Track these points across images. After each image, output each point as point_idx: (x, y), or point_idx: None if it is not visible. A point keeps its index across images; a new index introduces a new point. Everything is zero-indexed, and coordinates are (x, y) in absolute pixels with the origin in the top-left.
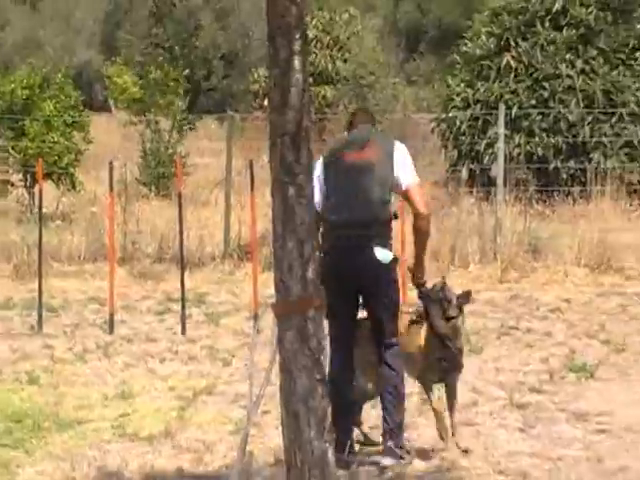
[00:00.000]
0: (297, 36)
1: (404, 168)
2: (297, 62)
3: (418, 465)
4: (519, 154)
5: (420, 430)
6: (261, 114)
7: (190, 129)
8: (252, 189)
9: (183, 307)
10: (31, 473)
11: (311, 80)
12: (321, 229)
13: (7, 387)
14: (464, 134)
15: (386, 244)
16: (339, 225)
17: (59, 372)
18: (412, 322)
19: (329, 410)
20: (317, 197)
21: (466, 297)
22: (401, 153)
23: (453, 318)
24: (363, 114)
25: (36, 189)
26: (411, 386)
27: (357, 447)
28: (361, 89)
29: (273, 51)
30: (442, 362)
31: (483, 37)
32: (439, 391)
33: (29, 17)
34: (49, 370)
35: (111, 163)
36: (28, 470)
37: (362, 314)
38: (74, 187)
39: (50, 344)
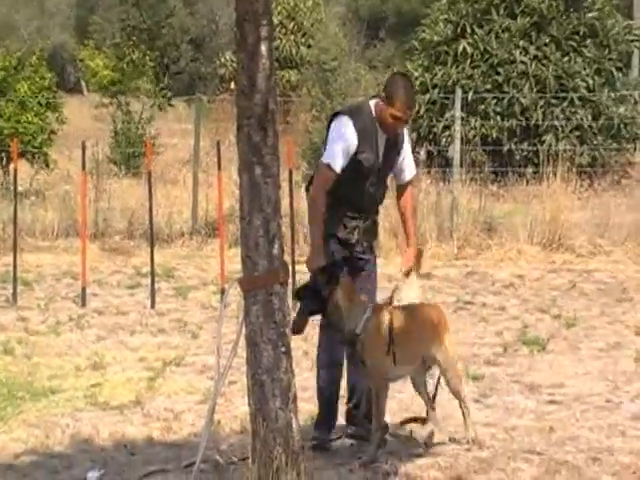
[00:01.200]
0: (264, 22)
1: (409, 157)
2: (264, 47)
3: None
4: (475, 136)
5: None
6: (228, 96)
7: (170, 105)
8: (219, 168)
9: (152, 281)
10: (6, 440)
11: (276, 64)
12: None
13: None
14: (422, 117)
15: None
16: (362, 210)
17: (33, 343)
18: None
19: (293, 382)
20: (340, 160)
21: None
22: (408, 139)
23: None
24: (406, 80)
25: (11, 167)
26: None
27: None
28: (324, 73)
29: (241, 36)
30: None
31: (440, 24)
32: None
33: (3, 1)
34: (23, 341)
35: (84, 143)
36: (3, 437)
37: None
38: (47, 166)
39: (24, 316)
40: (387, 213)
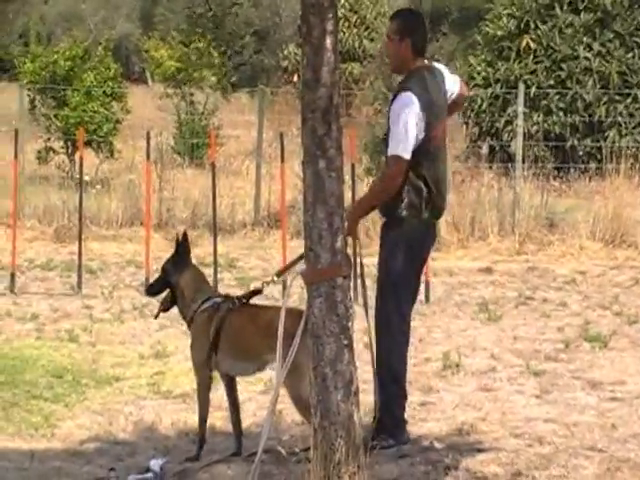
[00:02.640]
0: (330, 16)
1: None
2: (329, 41)
3: (438, 429)
4: (537, 132)
5: (441, 394)
6: (290, 89)
7: (234, 92)
8: (282, 160)
9: (215, 272)
10: (71, 426)
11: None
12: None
13: (48, 344)
14: (484, 112)
15: None
16: (439, 196)
17: (97, 331)
18: None
19: (355, 374)
20: (412, 141)
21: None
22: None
23: None
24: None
25: (77, 156)
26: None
27: None
28: (386, 67)
29: (306, 30)
30: None
31: (504, 19)
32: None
33: None
34: (88, 329)
35: (148, 133)
36: (68, 424)
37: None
38: (112, 155)
39: (89, 304)
40: (450, 209)
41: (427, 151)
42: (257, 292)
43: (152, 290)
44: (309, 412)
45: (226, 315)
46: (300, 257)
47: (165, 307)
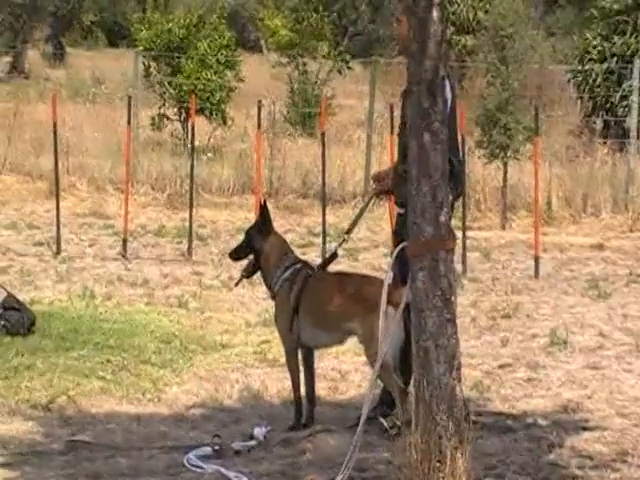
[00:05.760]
0: None
1: None
2: (436, 13)
3: (543, 405)
4: None
5: (547, 370)
6: (405, 59)
7: (348, 68)
8: (392, 132)
9: (324, 241)
10: (177, 392)
11: (453, 29)
12: None
13: (158, 309)
14: (599, 86)
15: None
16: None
17: (206, 298)
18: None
19: (458, 349)
20: None
21: None
22: None
23: None
24: None
25: (190, 123)
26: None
27: None
28: (500, 39)
29: (413, 2)
30: None
31: None
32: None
33: None
34: (197, 296)
35: (260, 102)
36: (175, 389)
37: None
38: (225, 123)
39: (199, 271)
40: (563, 183)
41: None
42: (334, 256)
43: (235, 255)
44: (387, 373)
45: (305, 282)
46: (361, 212)
47: (248, 274)
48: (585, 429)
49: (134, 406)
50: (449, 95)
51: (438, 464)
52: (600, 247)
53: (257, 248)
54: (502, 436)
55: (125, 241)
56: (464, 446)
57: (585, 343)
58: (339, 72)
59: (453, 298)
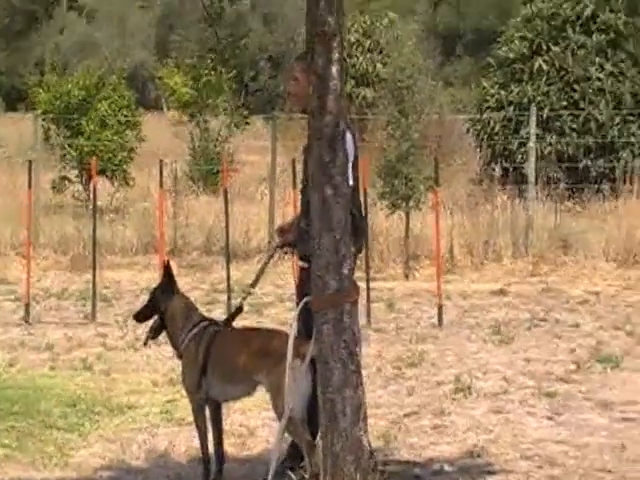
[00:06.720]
0: (334, 44)
1: None
2: (334, 69)
3: (449, 451)
4: (550, 153)
5: (452, 417)
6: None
7: (247, 124)
8: (294, 186)
9: (229, 297)
10: (84, 455)
11: (353, 82)
12: None
13: (62, 373)
14: (497, 134)
15: None
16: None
17: (111, 359)
18: None
19: (364, 399)
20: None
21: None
22: None
23: None
24: None
25: (91, 185)
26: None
27: None
28: (399, 91)
29: (311, 59)
30: None
31: (516, 41)
32: None
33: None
34: (102, 357)
35: (161, 161)
36: (82, 452)
37: None
38: (127, 183)
39: (103, 332)
40: (464, 231)
41: None
42: (239, 311)
43: (140, 316)
44: (294, 426)
45: (213, 339)
46: (265, 264)
47: (154, 334)
48: (491, 473)
49: (40, 472)
50: (351, 148)
51: None
52: (502, 292)
53: (162, 309)
54: None
55: (27, 306)
56: None
57: (489, 388)
58: (236, 127)
59: (358, 349)
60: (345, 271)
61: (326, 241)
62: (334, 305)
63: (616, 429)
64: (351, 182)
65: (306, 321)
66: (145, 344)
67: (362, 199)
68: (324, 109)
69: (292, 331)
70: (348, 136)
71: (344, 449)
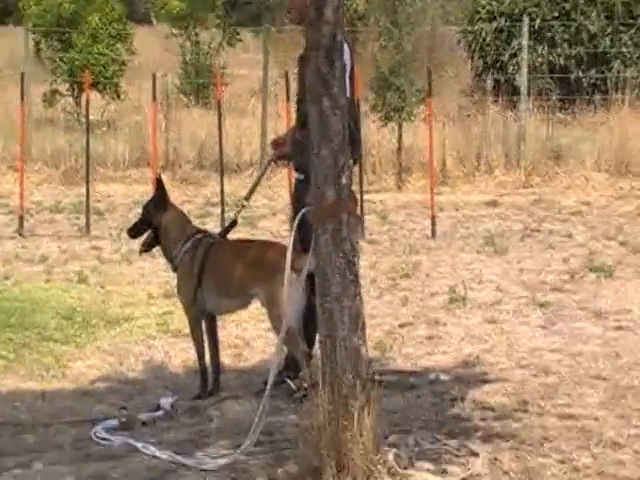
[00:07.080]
0: None
1: None
2: None
3: (444, 361)
4: (542, 64)
5: (447, 327)
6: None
7: (238, 40)
8: (287, 99)
9: (222, 211)
10: (81, 367)
11: None
12: None
13: (58, 286)
14: (489, 45)
15: None
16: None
17: (106, 272)
18: None
19: (362, 309)
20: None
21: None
22: None
23: None
24: None
25: (83, 98)
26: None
27: None
28: (392, 3)
29: None
30: None
31: None
32: None
33: None
34: (97, 270)
35: (154, 74)
36: (78, 364)
37: None
38: (119, 96)
39: (97, 246)
40: (456, 143)
41: None
42: (233, 224)
43: (134, 232)
44: (291, 337)
45: (207, 251)
46: (259, 178)
47: (147, 247)
48: (486, 382)
49: (38, 383)
50: (348, 60)
51: (345, 423)
52: (494, 204)
53: (156, 223)
54: (405, 393)
55: (21, 218)
56: (370, 405)
57: (483, 299)
58: (229, 44)
59: (356, 260)
60: (344, 181)
61: (324, 152)
62: (333, 215)
63: (610, 337)
64: (348, 93)
65: (303, 233)
66: (140, 254)
67: (357, 111)
68: (322, 20)
69: (290, 243)
70: (345, 47)
71: (343, 358)
